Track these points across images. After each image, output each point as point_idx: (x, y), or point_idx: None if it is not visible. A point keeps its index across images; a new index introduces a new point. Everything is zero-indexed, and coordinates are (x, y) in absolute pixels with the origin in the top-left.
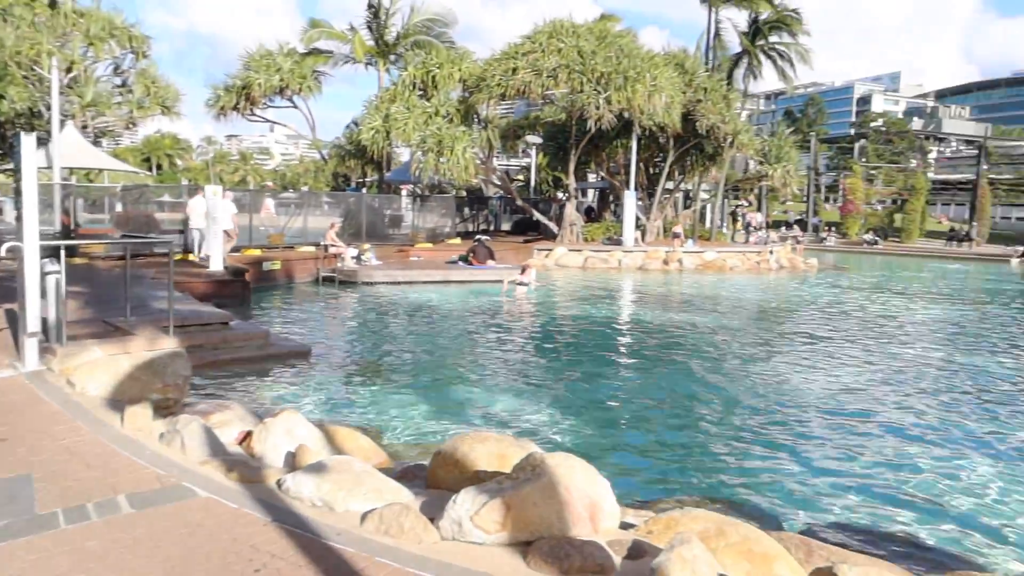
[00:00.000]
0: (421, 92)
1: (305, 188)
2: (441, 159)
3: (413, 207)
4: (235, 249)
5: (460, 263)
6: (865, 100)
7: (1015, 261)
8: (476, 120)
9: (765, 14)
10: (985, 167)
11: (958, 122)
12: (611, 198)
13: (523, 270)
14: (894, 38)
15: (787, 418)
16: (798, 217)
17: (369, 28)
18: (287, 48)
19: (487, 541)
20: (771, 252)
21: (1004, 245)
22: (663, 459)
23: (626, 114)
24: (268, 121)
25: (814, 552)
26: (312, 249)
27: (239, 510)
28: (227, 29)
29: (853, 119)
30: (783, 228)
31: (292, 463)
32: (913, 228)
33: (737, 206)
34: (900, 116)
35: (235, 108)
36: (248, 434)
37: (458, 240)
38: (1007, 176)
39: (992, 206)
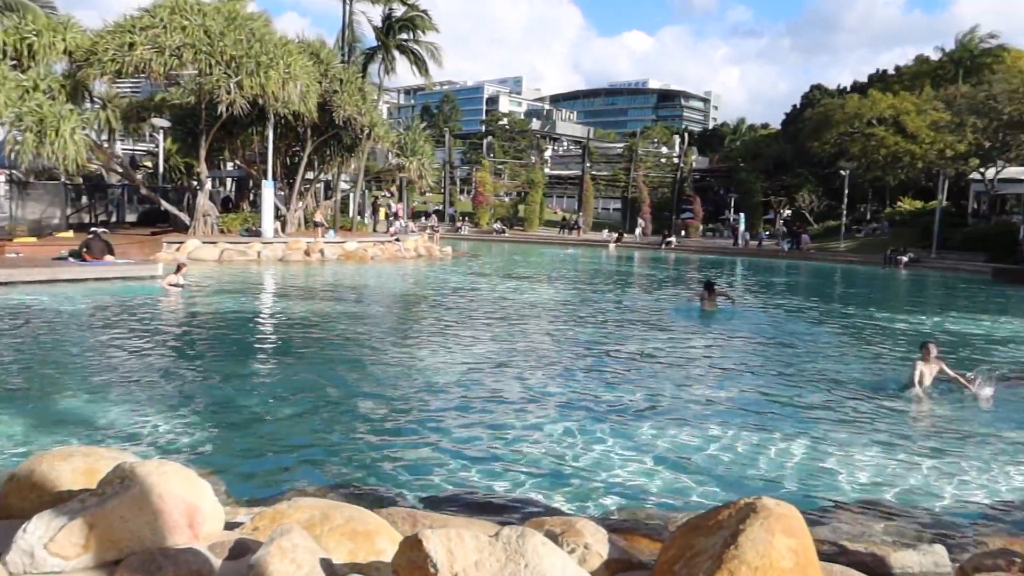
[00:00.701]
0: (14, 63)
1: None
2: (44, 141)
3: (11, 195)
4: None
5: (71, 259)
6: (493, 100)
7: (612, 246)
8: (89, 98)
9: (399, 11)
10: (588, 165)
11: (568, 125)
12: (250, 187)
13: (178, 269)
14: (518, 45)
15: (416, 399)
16: (436, 208)
17: None
18: None
19: (67, 568)
20: (398, 240)
21: (605, 231)
22: (288, 453)
23: (260, 101)
24: None
25: (419, 522)
26: None
27: None
28: None
29: (484, 117)
30: (423, 218)
31: None
32: (534, 218)
33: (378, 197)
34: (522, 117)
35: None
36: None
37: (70, 234)
38: (605, 173)
39: (595, 198)
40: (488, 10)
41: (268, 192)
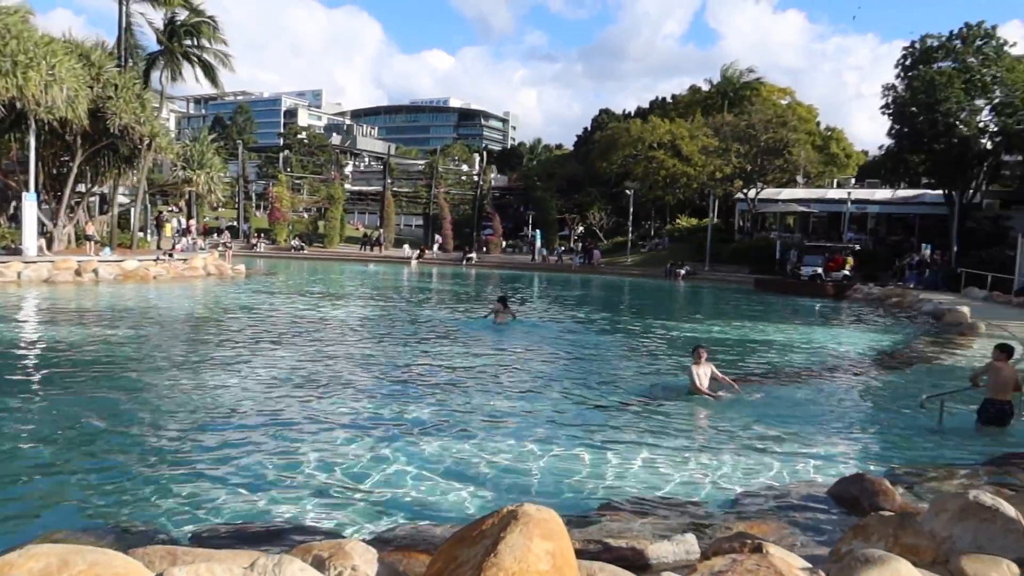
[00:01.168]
0: None
1: None
2: None
3: None
4: None
5: None
6: (292, 113)
7: (414, 262)
8: None
9: (182, 16)
10: (390, 181)
11: (369, 140)
12: (9, 200)
13: None
14: (318, 57)
15: (195, 428)
16: (230, 223)
17: None
18: None
19: None
20: (171, 257)
21: (407, 248)
22: (41, 495)
23: (19, 104)
24: None
25: (179, 559)
26: None
27: None
28: None
29: (281, 130)
30: (215, 235)
31: None
32: (334, 234)
33: (162, 211)
34: (322, 131)
35: None
36: None
37: None
38: (407, 189)
39: (397, 215)
40: (286, 19)
41: (30, 206)
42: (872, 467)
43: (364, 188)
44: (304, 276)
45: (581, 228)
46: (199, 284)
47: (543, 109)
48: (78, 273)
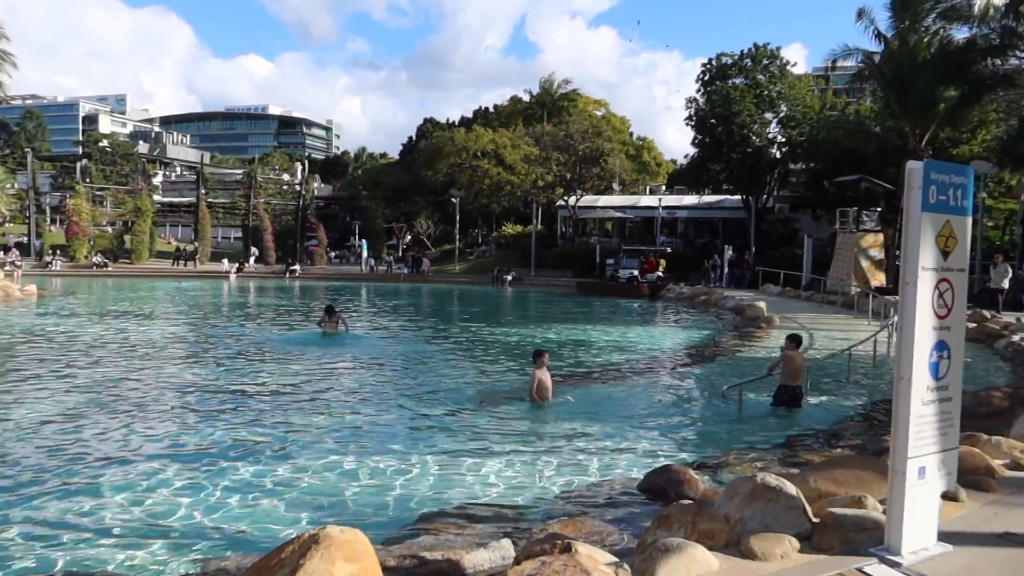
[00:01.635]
0: None
1: None
2: None
3: None
4: None
5: None
6: (92, 119)
7: (233, 276)
8: None
9: None
10: (204, 192)
11: (181, 148)
12: None
13: None
14: (121, 61)
15: None
16: (18, 239)
17: None
18: None
19: None
20: None
21: (225, 261)
22: None
23: None
24: None
25: None
26: None
27: None
28: None
29: (80, 138)
30: (2, 252)
31: None
32: (143, 249)
33: None
34: (126, 138)
35: None
36: None
37: None
38: (224, 200)
39: (213, 227)
40: (83, 19)
41: None
42: (684, 456)
43: (176, 199)
44: (108, 295)
45: (409, 237)
46: None
47: (368, 117)
48: None
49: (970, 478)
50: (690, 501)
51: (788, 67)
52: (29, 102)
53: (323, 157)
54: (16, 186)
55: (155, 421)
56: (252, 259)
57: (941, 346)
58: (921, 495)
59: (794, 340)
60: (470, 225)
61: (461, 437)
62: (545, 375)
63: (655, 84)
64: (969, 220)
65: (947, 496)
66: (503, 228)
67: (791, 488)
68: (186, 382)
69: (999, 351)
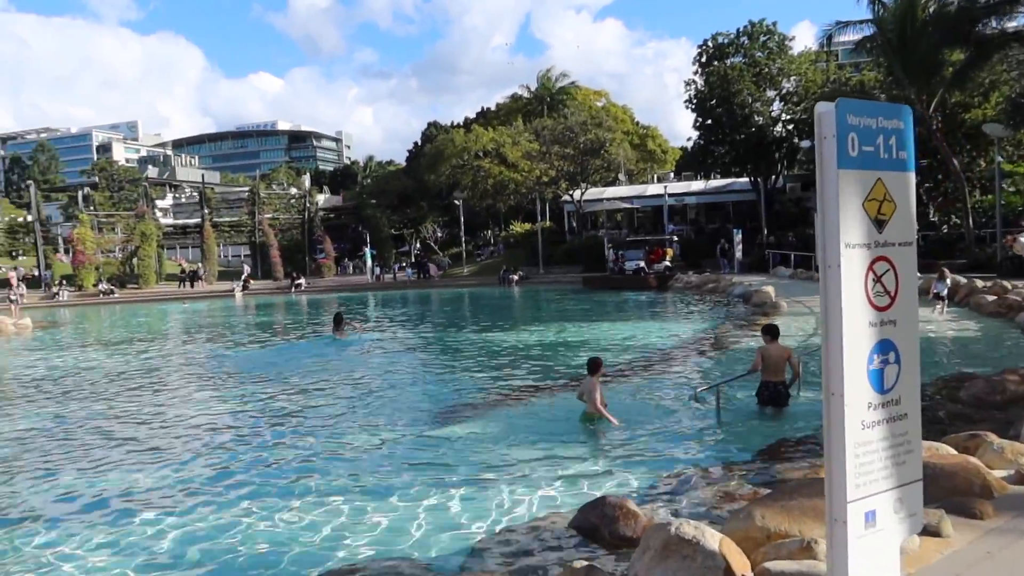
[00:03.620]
0: None
1: None
2: None
3: None
4: None
5: None
6: (106, 148)
7: (238, 294)
8: None
9: None
10: (207, 211)
11: (190, 170)
12: None
13: None
14: (135, 89)
15: None
16: (27, 273)
17: None
18: None
19: None
20: None
21: (231, 280)
22: None
23: None
24: None
25: None
26: None
27: None
28: None
29: (90, 167)
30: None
31: None
32: (149, 273)
33: None
34: (136, 164)
35: None
36: None
37: None
38: (233, 218)
39: (221, 246)
40: (94, 50)
41: None
42: (639, 478)
43: (185, 221)
44: (106, 324)
45: (419, 243)
46: None
47: (381, 126)
48: None
49: (960, 501)
50: (585, 563)
51: (787, 42)
52: (43, 135)
53: (332, 169)
54: (28, 219)
55: (138, 454)
56: (243, 277)
57: (884, 346)
58: (872, 547)
59: (770, 332)
60: (478, 227)
61: (398, 469)
62: (596, 381)
63: (665, 72)
64: (911, 176)
65: (927, 531)
66: (511, 227)
67: (712, 541)
68: (155, 412)
69: (1022, 325)
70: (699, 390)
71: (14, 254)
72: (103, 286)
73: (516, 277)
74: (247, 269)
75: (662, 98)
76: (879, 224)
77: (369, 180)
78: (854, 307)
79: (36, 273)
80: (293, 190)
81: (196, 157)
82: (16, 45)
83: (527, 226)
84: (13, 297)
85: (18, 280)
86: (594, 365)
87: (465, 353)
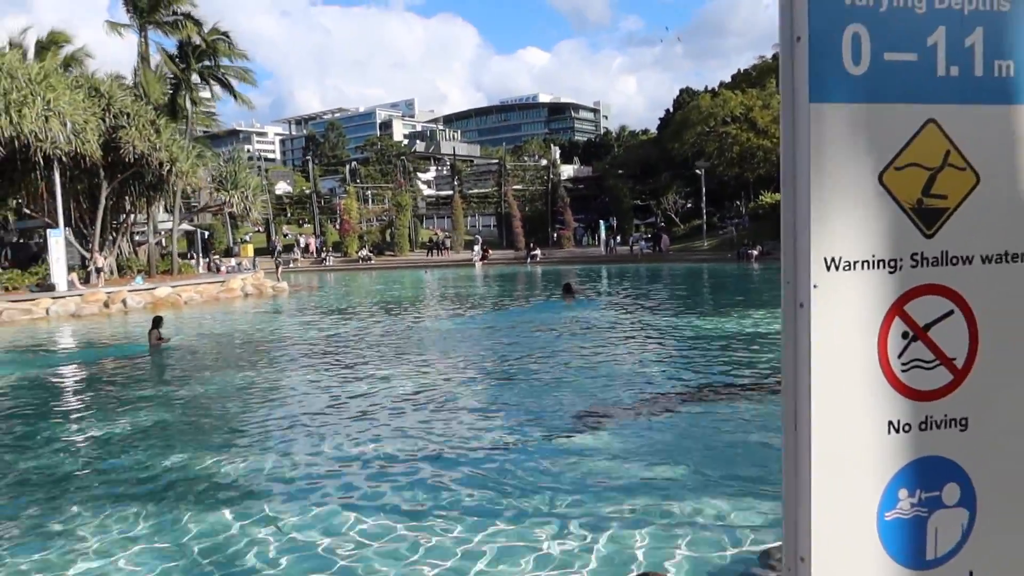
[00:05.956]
0: None
1: None
2: None
3: None
4: None
5: None
6: (387, 125)
7: (477, 264)
8: None
9: (198, 39)
10: (457, 183)
11: (455, 144)
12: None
13: None
14: (417, 68)
15: None
16: (295, 239)
17: None
18: None
19: None
20: (220, 282)
21: (476, 249)
22: None
23: (20, 142)
24: None
25: None
26: None
27: None
28: None
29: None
30: (289, 251)
31: None
32: (404, 242)
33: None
34: (404, 140)
35: None
36: None
37: None
38: (485, 190)
39: (471, 216)
40: (385, 35)
41: (56, 241)
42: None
43: (441, 192)
44: (356, 287)
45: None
46: (237, 305)
47: (644, 95)
48: (106, 305)
49: None
50: None
51: None
52: (336, 115)
53: (585, 139)
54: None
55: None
56: (476, 248)
57: (926, 474)
58: None
59: None
60: (727, 197)
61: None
62: None
63: None
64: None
65: None
66: (760, 198)
67: None
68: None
69: None
70: None
71: (301, 223)
72: (362, 253)
73: (755, 252)
74: (479, 240)
75: None
76: (927, 216)
77: (619, 150)
78: (847, 387)
79: (313, 241)
80: (543, 162)
81: (459, 132)
82: (322, 34)
83: (777, 197)
84: (279, 261)
85: (297, 247)
86: None
87: (672, 336)
